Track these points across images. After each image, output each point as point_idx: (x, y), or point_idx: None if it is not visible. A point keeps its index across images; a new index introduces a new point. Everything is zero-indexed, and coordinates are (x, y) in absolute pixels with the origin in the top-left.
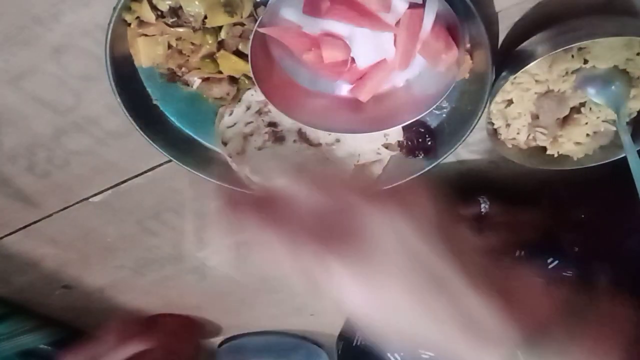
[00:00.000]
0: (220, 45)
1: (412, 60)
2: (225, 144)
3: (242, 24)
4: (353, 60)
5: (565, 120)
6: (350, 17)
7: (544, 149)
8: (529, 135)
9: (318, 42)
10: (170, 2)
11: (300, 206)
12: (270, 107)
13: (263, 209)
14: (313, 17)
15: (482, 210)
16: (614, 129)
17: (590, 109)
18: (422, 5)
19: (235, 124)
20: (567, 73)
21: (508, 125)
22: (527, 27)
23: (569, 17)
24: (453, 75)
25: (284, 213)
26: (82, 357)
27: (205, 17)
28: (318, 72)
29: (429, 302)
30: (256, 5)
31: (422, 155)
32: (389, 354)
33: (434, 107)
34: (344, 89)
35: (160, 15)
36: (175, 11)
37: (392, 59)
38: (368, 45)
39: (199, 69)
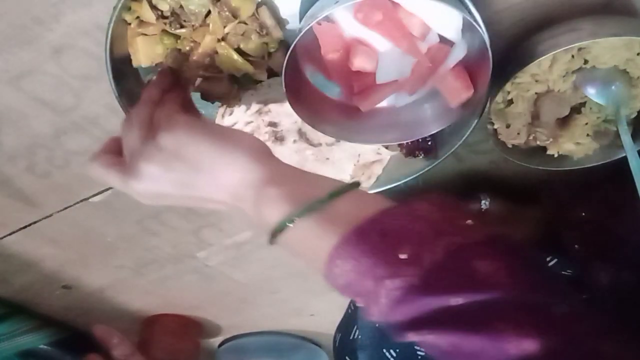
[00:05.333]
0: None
1: (420, 88)
2: None
3: (245, 23)
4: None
5: (565, 120)
6: (394, 36)
7: (544, 149)
8: (529, 135)
9: (348, 46)
10: (171, 2)
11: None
12: (271, 107)
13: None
14: (359, 23)
15: (482, 206)
16: (614, 129)
17: (590, 109)
18: (451, 44)
19: (235, 124)
20: (567, 73)
21: (508, 125)
22: (527, 27)
23: (569, 17)
24: (458, 114)
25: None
26: None
27: (207, 14)
28: (329, 74)
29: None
30: (258, 5)
31: (422, 155)
32: (384, 350)
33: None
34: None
35: (161, 15)
36: (175, 11)
37: (404, 81)
38: (393, 64)
39: (199, 68)
